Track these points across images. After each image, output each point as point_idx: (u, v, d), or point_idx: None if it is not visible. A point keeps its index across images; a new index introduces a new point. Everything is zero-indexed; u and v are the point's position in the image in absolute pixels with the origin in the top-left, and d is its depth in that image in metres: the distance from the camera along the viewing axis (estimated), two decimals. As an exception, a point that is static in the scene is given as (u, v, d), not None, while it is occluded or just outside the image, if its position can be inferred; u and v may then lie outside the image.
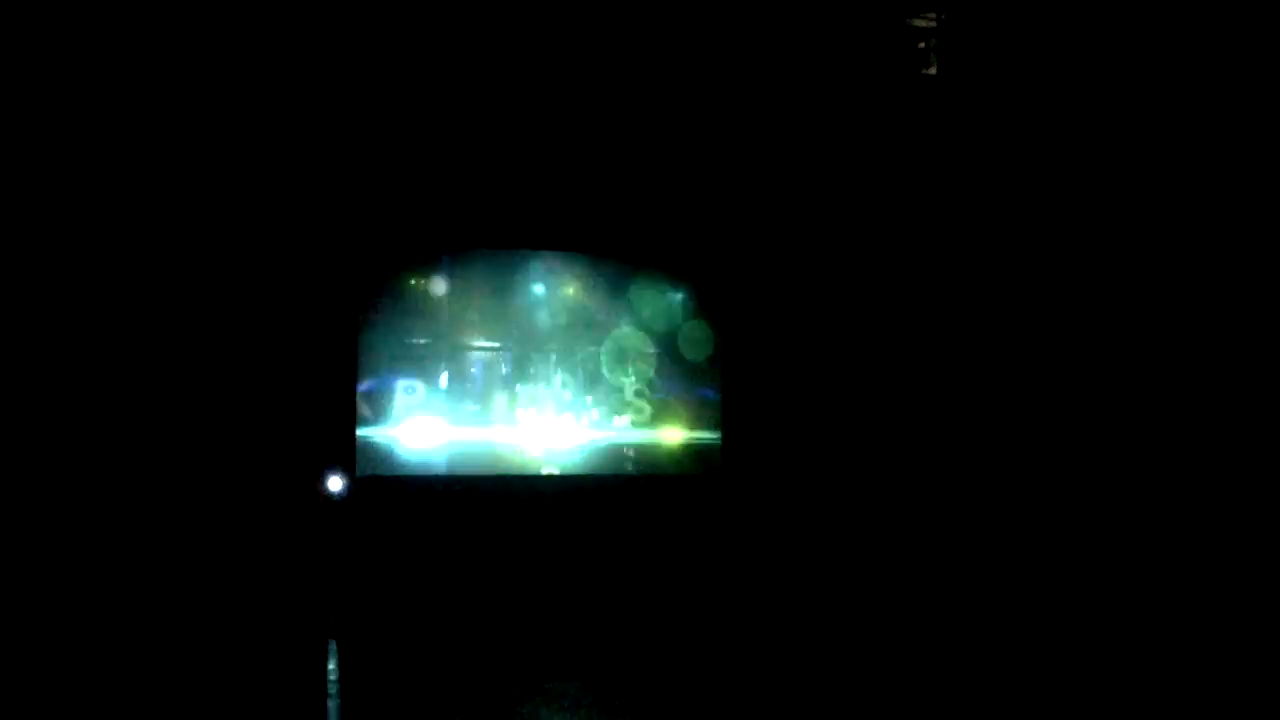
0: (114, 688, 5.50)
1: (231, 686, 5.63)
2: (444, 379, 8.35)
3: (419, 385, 8.24)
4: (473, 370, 8.45)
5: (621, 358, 8.69)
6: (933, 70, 8.59)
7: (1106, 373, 8.14)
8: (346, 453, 7.96)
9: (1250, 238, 7.76)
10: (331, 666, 6.38)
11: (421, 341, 8.31)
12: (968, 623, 7.16)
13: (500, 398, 8.43)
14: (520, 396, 8.47)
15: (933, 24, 8.56)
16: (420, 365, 8.28)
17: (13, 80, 7.05)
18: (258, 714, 5.33)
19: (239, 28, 7.55)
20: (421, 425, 8.20)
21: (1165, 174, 7.99)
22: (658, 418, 8.73)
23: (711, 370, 8.80)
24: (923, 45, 8.60)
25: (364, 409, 8.04)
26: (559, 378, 8.58)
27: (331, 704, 5.60)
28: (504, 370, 8.50)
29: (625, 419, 8.67)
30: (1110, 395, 8.10)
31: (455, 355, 8.41)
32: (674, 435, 8.75)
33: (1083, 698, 5.49)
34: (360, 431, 8.02)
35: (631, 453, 8.68)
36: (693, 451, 8.78)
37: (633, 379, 8.71)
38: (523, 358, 8.54)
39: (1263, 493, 7.29)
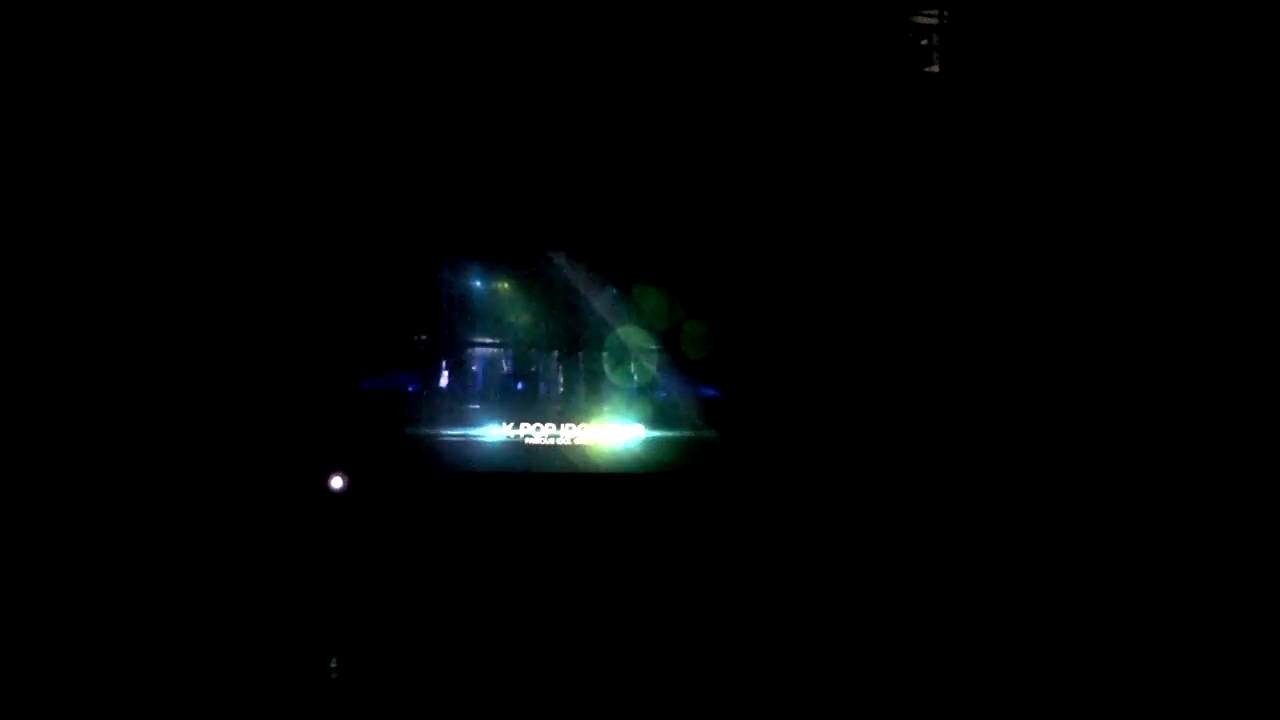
0: (118, 683, 5.57)
1: (235, 686, 5.69)
2: (443, 378, 8.39)
3: (419, 384, 8.29)
4: (473, 369, 8.48)
5: (623, 356, 8.71)
6: (935, 68, 8.56)
7: (1109, 370, 8.12)
8: (350, 450, 8.01)
9: (1256, 236, 7.72)
10: (333, 665, 6.44)
11: (422, 338, 8.35)
12: (970, 619, 7.17)
13: (501, 396, 8.47)
14: (520, 395, 8.51)
15: (935, 21, 8.52)
16: (419, 363, 8.32)
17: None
18: (261, 714, 5.39)
19: (249, 34, 7.61)
20: (424, 425, 8.25)
21: (1169, 172, 7.95)
22: (660, 415, 8.76)
23: (711, 368, 8.82)
24: (925, 43, 8.56)
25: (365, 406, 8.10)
26: (559, 375, 8.61)
27: (334, 700, 5.66)
28: (505, 369, 8.53)
29: (628, 417, 8.69)
30: (1114, 393, 8.08)
31: (455, 353, 8.44)
32: (675, 433, 8.76)
33: (1085, 695, 5.50)
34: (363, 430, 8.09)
35: (633, 450, 8.71)
36: (695, 449, 8.80)
37: (635, 377, 8.73)
38: (523, 356, 8.57)
39: (1262, 493, 7.27)
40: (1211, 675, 5.71)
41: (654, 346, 8.75)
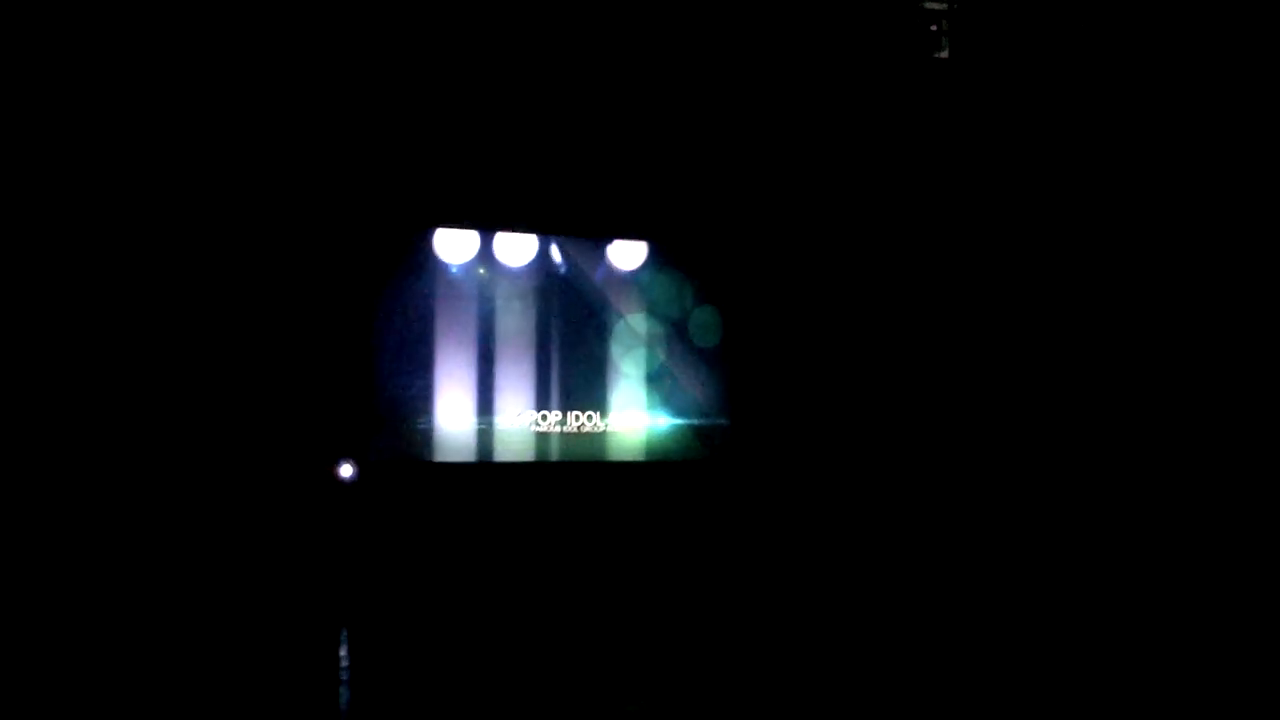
0: (126, 672, 5.58)
1: (244, 673, 5.70)
2: (448, 365, 8.36)
3: (427, 372, 8.27)
4: (480, 356, 8.45)
5: (631, 343, 8.70)
6: (945, 54, 8.53)
7: (1120, 360, 8.11)
8: (359, 438, 8.01)
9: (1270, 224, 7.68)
10: (343, 653, 6.44)
11: (424, 329, 8.31)
12: (974, 613, 7.18)
13: (508, 384, 8.45)
14: (528, 382, 8.49)
15: (944, 7, 8.49)
16: (423, 350, 8.29)
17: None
18: (269, 701, 5.39)
19: (246, 32, 7.57)
20: (428, 415, 8.24)
21: (1178, 165, 7.95)
22: (667, 403, 8.76)
23: (720, 356, 8.82)
24: (934, 28, 8.53)
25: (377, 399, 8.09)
26: (567, 363, 8.60)
27: (342, 691, 5.67)
28: (511, 356, 8.51)
29: (634, 405, 8.69)
30: (1130, 386, 8.07)
31: (462, 341, 8.41)
32: (683, 421, 8.77)
33: (1091, 694, 5.51)
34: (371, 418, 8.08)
35: (641, 439, 8.71)
36: (701, 437, 8.80)
37: (644, 365, 8.73)
38: (530, 344, 8.55)
39: (1262, 493, 7.28)
40: (1211, 675, 5.71)
41: (663, 334, 8.75)
